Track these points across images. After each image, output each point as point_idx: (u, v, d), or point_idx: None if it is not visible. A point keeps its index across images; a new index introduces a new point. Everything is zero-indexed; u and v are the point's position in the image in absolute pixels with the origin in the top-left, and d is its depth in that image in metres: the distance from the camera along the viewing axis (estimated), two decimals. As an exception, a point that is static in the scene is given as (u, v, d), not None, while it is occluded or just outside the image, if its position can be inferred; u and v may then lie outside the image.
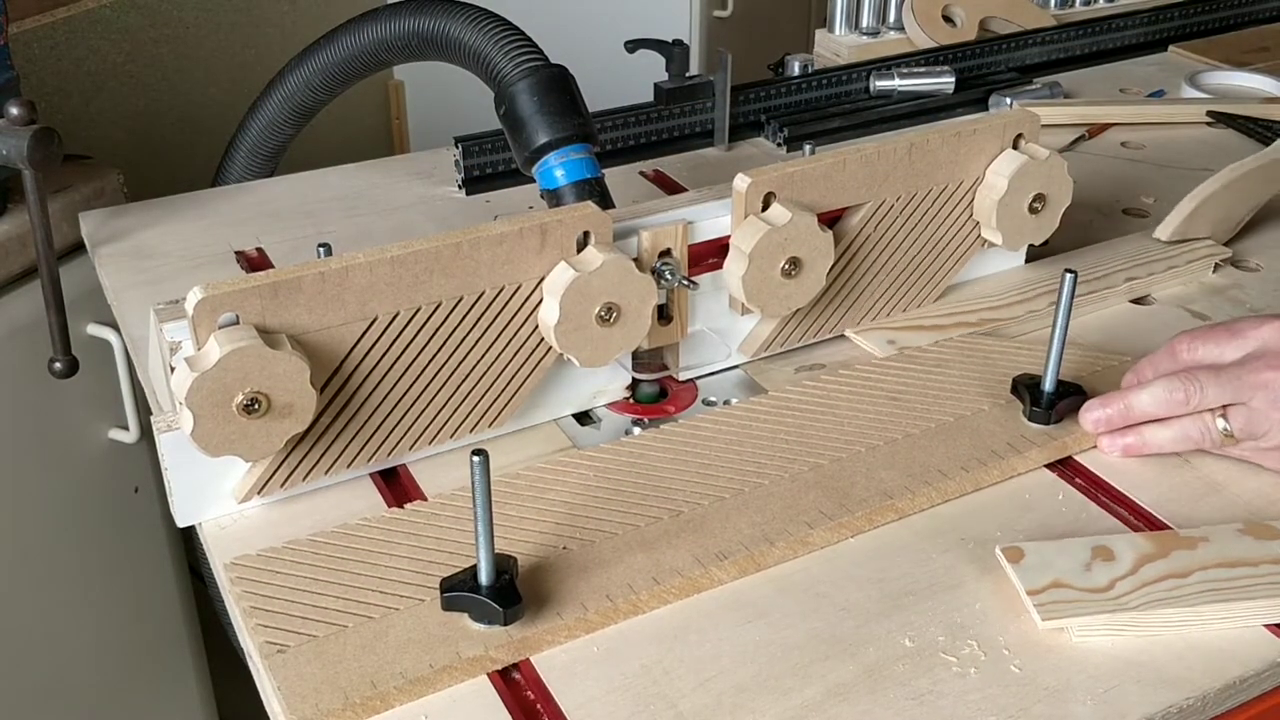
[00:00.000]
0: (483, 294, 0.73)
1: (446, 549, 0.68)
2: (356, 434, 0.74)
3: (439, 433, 0.76)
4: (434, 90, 2.23)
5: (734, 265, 0.80)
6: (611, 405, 0.83)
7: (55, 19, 1.57)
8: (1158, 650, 0.64)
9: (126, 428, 1.26)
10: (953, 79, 1.30)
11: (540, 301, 0.75)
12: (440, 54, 0.98)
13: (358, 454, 0.74)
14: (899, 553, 0.71)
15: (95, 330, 1.20)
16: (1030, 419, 0.79)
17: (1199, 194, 0.96)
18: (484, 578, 0.63)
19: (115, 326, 1.13)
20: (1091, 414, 0.78)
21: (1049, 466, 0.77)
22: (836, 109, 1.28)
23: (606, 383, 0.83)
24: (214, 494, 0.73)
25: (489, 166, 1.13)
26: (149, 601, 1.37)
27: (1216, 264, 0.97)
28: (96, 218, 1.08)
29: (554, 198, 0.90)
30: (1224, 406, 0.75)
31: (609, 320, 0.76)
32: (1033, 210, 0.89)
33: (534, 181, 0.92)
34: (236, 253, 1.03)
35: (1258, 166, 0.98)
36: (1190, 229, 0.96)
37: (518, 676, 0.63)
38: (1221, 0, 1.52)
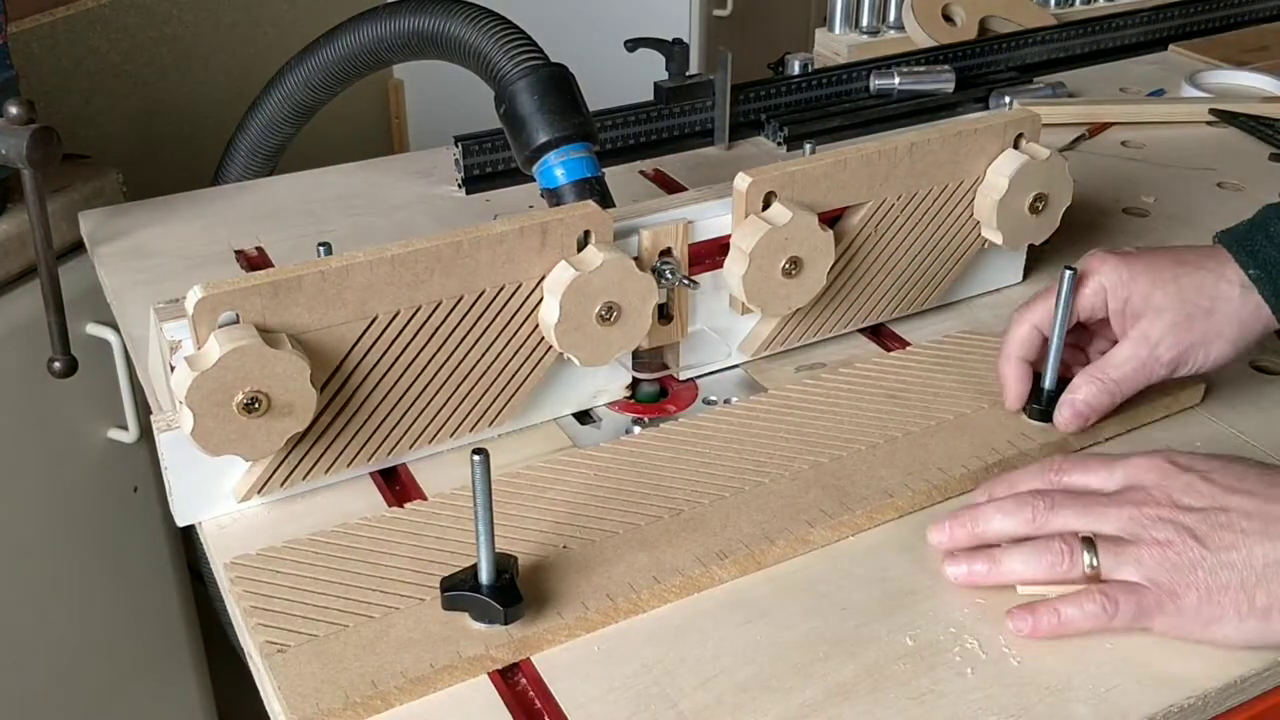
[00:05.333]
0: (483, 293, 0.73)
1: (447, 548, 0.68)
2: (357, 433, 0.74)
3: (439, 432, 0.76)
4: (434, 90, 2.23)
5: (734, 265, 0.80)
6: (612, 404, 0.83)
7: (55, 18, 1.57)
8: (1158, 650, 0.64)
9: (126, 427, 1.26)
10: (953, 78, 1.30)
11: (540, 301, 0.75)
12: (440, 53, 0.98)
13: (358, 453, 0.74)
14: (900, 551, 0.71)
15: (95, 330, 1.20)
16: (1030, 417, 0.79)
17: None
18: (484, 577, 0.63)
19: (115, 326, 1.13)
20: (935, 535, 0.70)
21: (1050, 465, 0.77)
22: (837, 108, 1.28)
23: (607, 382, 0.83)
24: (214, 493, 0.73)
25: (489, 165, 1.13)
26: (149, 601, 1.37)
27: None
28: (96, 217, 1.08)
29: (554, 197, 0.90)
30: (1090, 537, 0.65)
31: (609, 319, 0.76)
32: (1033, 210, 0.89)
33: (534, 180, 0.92)
34: (236, 252, 1.03)
35: None
36: None
37: (518, 676, 0.63)
38: (1221, 0, 1.52)
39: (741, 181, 0.79)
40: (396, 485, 0.76)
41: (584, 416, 0.83)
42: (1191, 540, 0.63)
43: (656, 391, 0.85)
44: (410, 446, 0.76)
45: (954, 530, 0.69)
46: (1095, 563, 0.64)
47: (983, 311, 0.94)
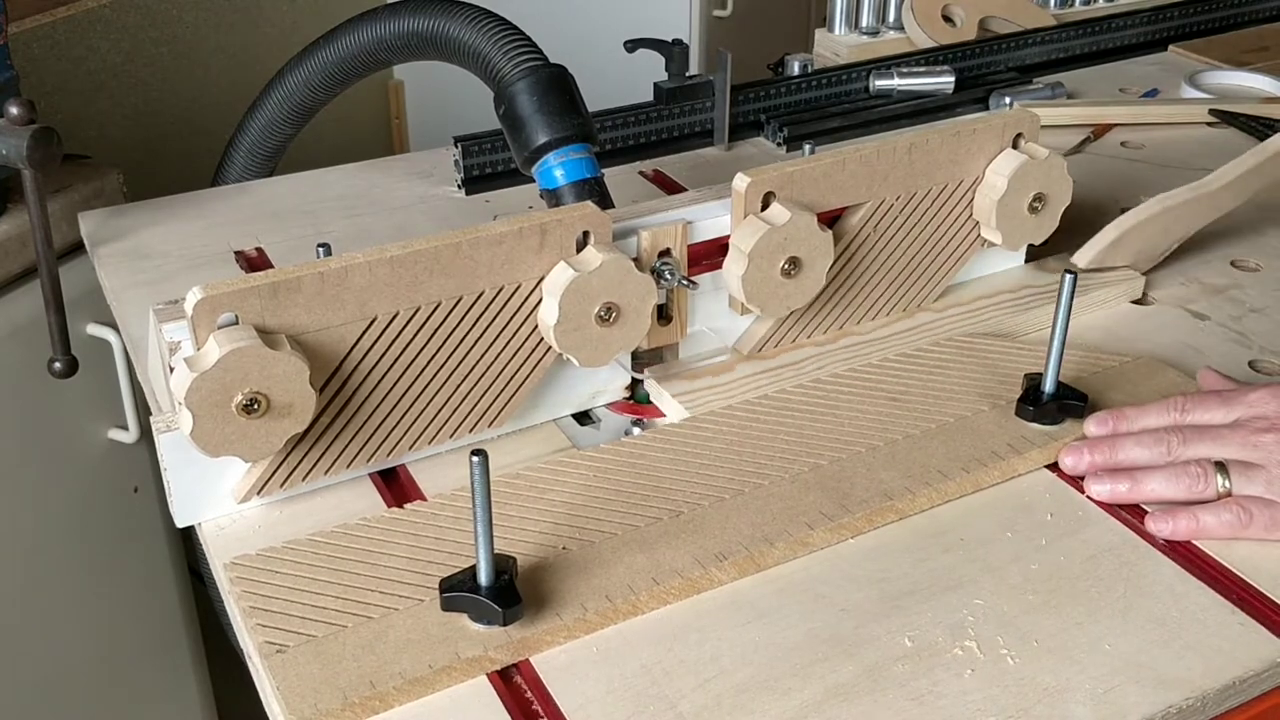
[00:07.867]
0: (482, 294, 0.73)
1: (446, 549, 0.68)
2: (356, 434, 0.74)
3: (438, 433, 0.76)
4: (434, 90, 2.24)
5: (733, 265, 0.80)
6: (611, 405, 0.83)
7: (55, 19, 1.57)
8: (1158, 650, 0.64)
9: (126, 428, 1.26)
10: (952, 79, 1.30)
11: (540, 301, 0.75)
12: (440, 54, 0.98)
13: (357, 454, 0.74)
14: (899, 553, 0.71)
15: (95, 330, 1.20)
16: (1028, 419, 0.79)
17: (1123, 223, 0.92)
18: (483, 578, 0.63)
19: (115, 326, 1.13)
20: (1070, 459, 0.76)
21: (1049, 467, 0.77)
22: (836, 109, 1.28)
23: (606, 383, 0.83)
24: (213, 494, 0.73)
25: (488, 166, 1.13)
26: (149, 601, 1.37)
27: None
28: (96, 218, 1.08)
29: (553, 197, 0.90)
30: (1222, 462, 0.72)
31: (608, 320, 0.76)
32: (1032, 210, 0.89)
33: (533, 181, 0.92)
34: (236, 253, 1.03)
35: (1185, 201, 0.94)
36: (1110, 258, 0.92)
37: (517, 677, 0.63)
38: (1221, 0, 1.52)
39: (740, 182, 0.79)
40: (396, 486, 0.76)
41: (583, 417, 0.83)
42: None
43: (656, 392, 0.85)
44: (410, 447, 0.76)
45: (1092, 457, 0.75)
46: (1228, 484, 0.71)
47: (982, 312, 0.94)
